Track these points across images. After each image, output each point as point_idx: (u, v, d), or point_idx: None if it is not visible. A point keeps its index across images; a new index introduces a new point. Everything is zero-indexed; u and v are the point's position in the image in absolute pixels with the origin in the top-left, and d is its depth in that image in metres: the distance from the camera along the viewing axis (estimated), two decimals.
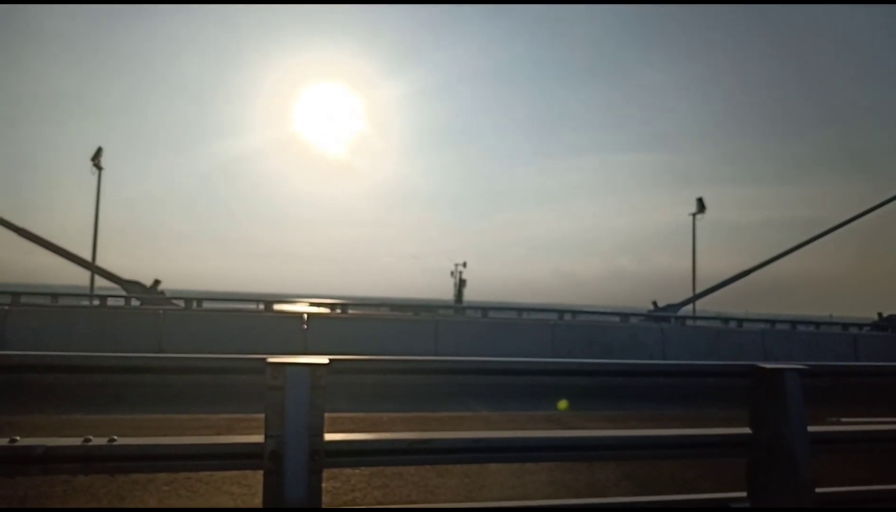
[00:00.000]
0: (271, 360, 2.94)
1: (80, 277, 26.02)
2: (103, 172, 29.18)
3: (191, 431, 7.07)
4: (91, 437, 2.79)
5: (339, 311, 23.72)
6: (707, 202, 35.74)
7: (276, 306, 23.28)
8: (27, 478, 3.55)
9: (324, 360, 3.01)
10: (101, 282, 25.38)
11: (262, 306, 22.86)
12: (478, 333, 15.44)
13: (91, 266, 25.52)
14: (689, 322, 27.29)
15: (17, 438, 2.77)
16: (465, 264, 49.01)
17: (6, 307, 14.43)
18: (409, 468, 5.43)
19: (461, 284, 48.25)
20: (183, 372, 3.05)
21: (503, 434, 3.46)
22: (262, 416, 2.97)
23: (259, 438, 2.96)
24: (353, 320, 17.45)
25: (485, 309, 26.39)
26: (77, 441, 2.75)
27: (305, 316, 14.51)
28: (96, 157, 29.00)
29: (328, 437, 2.99)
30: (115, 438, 2.79)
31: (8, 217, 23.42)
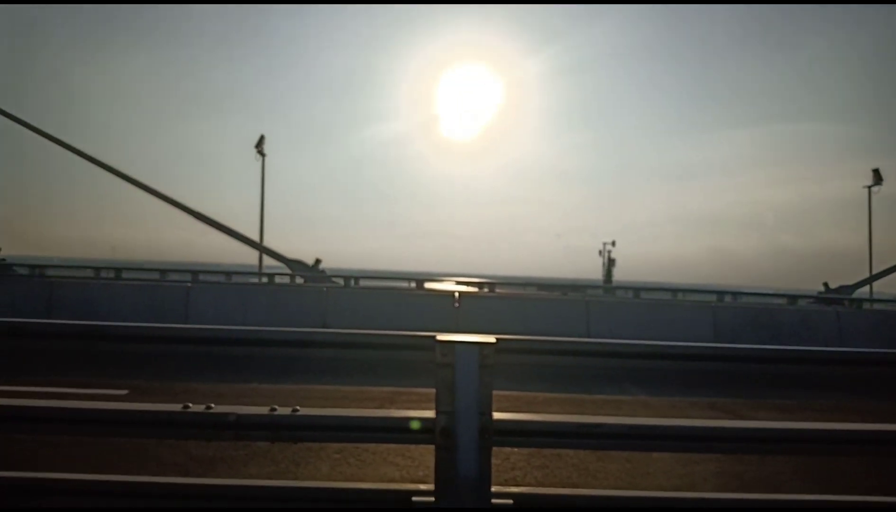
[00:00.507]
0: (440, 337, 2.98)
1: (248, 256, 28.02)
2: (266, 160, 31.20)
3: (356, 402, 7.41)
4: (276, 406, 2.96)
5: (486, 289, 23.95)
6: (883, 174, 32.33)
7: (427, 284, 23.93)
8: (218, 442, 3.85)
9: (491, 339, 3.01)
10: (267, 260, 27.21)
11: (413, 284, 23.58)
12: (631, 315, 14.97)
13: (259, 246, 27.39)
14: (866, 305, 25.00)
15: (212, 405, 2.99)
16: (613, 243, 47.81)
17: (188, 284, 15.82)
18: (568, 450, 5.36)
19: (610, 263, 47.16)
20: (355, 347, 3.16)
21: (673, 422, 3.31)
22: (419, 389, 3.04)
23: (429, 413, 3.01)
24: (502, 299, 17.55)
25: (636, 289, 25.62)
26: (264, 410, 2.92)
27: (457, 294, 14.74)
28: (259, 145, 31.03)
29: (496, 415, 2.99)
30: (298, 408, 2.94)
31: (184, 202, 25.58)
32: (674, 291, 24.83)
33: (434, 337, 3.00)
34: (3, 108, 23.11)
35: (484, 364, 2.94)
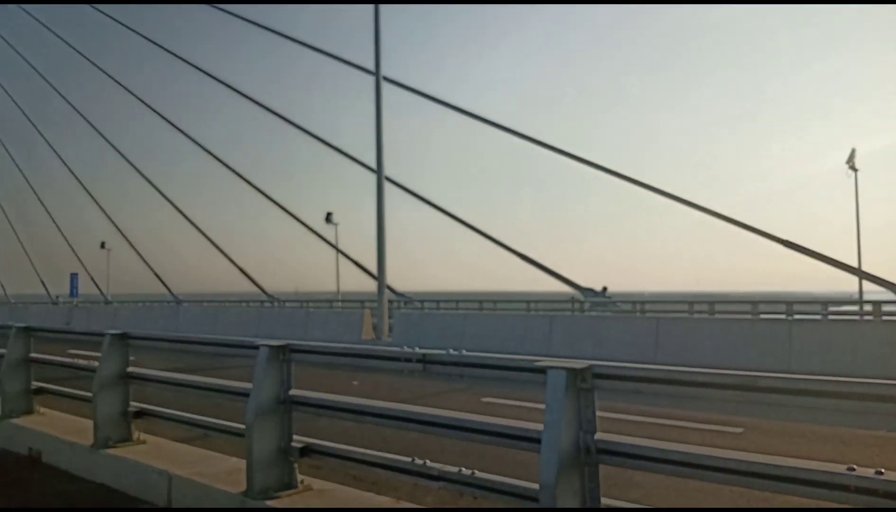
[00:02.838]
0: None
1: (844, 281, 25.71)
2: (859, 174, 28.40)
3: None
4: (854, 465, 2.80)
5: None
6: None
7: None
8: None
9: None
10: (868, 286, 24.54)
11: None
12: None
13: (857, 271, 24.97)
14: None
15: (882, 470, 2.85)
16: None
17: (786, 318, 15.32)
18: None
19: None
20: None
21: None
22: None
23: None
24: None
25: None
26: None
27: None
28: (850, 160, 28.53)
29: None
30: (882, 470, 2.72)
31: (770, 230, 24.98)
32: None
33: None
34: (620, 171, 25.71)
35: None
